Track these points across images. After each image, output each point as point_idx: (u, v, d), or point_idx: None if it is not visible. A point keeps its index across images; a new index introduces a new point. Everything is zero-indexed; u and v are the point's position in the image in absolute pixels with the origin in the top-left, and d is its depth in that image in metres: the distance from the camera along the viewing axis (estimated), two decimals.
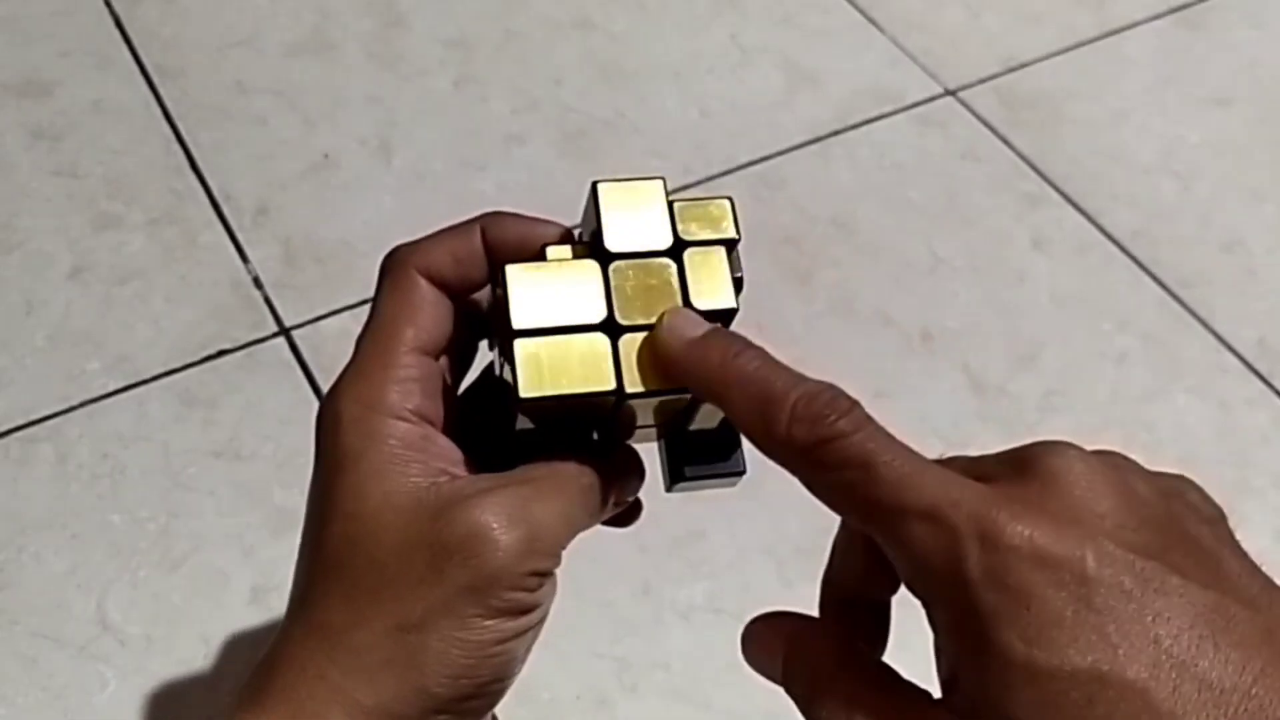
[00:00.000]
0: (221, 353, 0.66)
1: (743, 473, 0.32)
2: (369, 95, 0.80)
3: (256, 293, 0.69)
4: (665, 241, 0.30)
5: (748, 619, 0.29)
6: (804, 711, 0.27)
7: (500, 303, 0.29)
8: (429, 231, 0.31)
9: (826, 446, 0.25)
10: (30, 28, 0.82)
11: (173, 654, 0.54)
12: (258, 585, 0.56)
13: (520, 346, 0.28)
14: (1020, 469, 0.25)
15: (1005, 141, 0.83)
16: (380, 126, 0.78)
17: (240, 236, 0.71)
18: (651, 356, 0.29)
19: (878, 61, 0.87)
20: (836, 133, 0.82)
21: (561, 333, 0.28)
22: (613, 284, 0.29)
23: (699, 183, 0.78)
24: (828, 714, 0.26)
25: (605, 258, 0.29)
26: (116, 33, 0.82)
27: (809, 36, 0.88)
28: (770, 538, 0.60)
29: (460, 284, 0.31)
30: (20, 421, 0.62)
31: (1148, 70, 0.89)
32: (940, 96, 0.85)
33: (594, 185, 0.30)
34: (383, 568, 0.27)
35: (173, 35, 0.83)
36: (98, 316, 0.67)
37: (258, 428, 0.62)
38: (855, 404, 0.26)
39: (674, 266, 0.29)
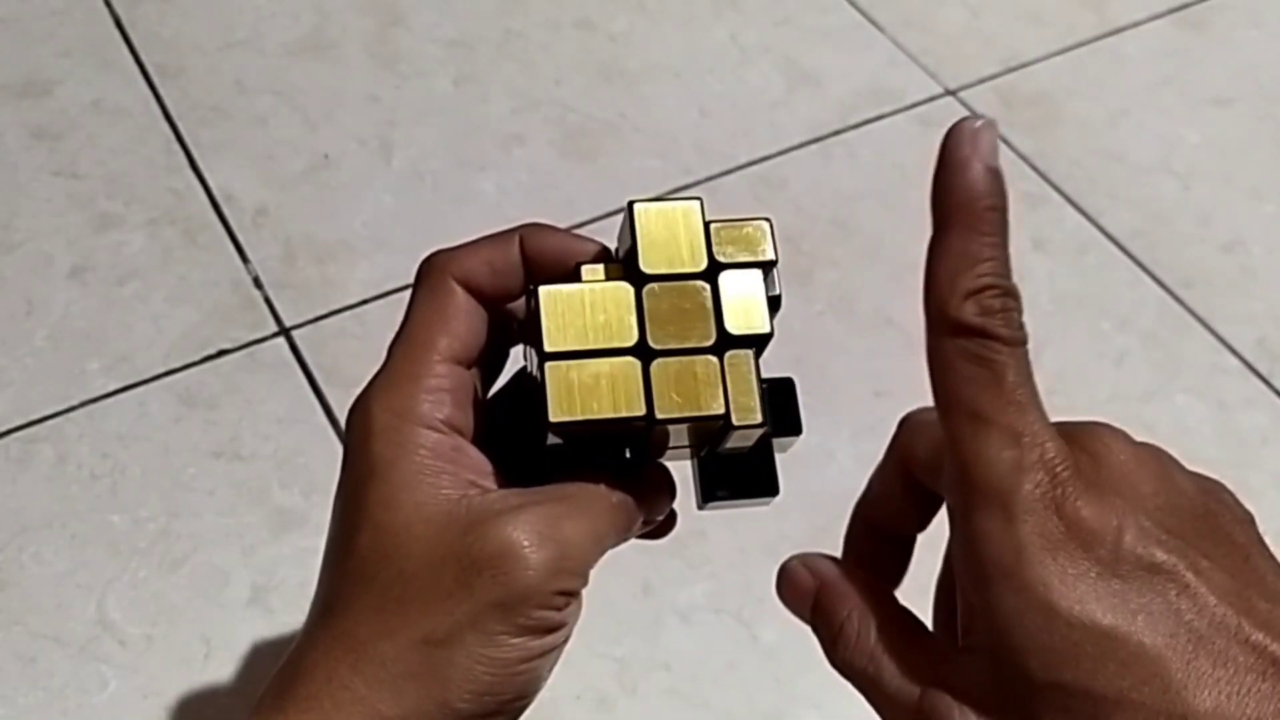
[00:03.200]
0: (221, 353, 0.66)
1: (775, 494, 0.32)
2: (369, 95, 0.80)
3: (256, 293, 0.69)
4: (700, 264, 0.29)
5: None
6: (828, 654, 0.27)
7: (532, 323, 0.29)
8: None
9: (977, 338, 0.25)
10: (30, 28, 0.82)
11: (173, 654, 0.54)
12: (258, 585, 0.56)
13: (551, 369, 0.28)
14: (1073, 442, 0.25)
15: (1005, 141, 0.83)
16: (380, 126, 0.78)
17: (240, 236, 0.71)
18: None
19: (878, 61, 0.87)
20: (836, 133, 0.82)
21: (593, 356, 0.28)
22: (646, 307, 0.29)
23: (699, 183, 0.77)
24: (854, 660, 0.26)
25: (639, 279, 0.29)
26: (116, 33, 0.82)
27: (809, 36, 0.88)
28: (770, 538, 0.60)
29: (496, 294, 0.30)
30: (20, 421, 0.62)
31: (1148, 70, 0.89)
32: (940, 96, 0.85)
33: (630, 205, 0.29)
34: (411, 580, 0.27)
35: (173, 35, 0.83)
36: (98, 316, 0.67)
37: (258, 428, 0.62)
38: (1024, 329, 0.25)
39: (708, 289, 0.29)
